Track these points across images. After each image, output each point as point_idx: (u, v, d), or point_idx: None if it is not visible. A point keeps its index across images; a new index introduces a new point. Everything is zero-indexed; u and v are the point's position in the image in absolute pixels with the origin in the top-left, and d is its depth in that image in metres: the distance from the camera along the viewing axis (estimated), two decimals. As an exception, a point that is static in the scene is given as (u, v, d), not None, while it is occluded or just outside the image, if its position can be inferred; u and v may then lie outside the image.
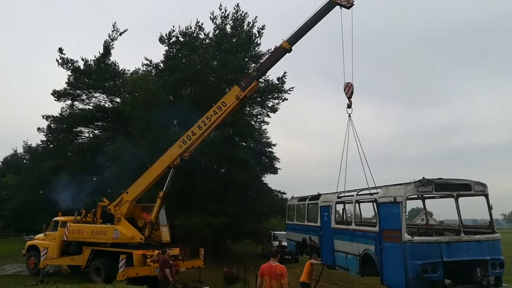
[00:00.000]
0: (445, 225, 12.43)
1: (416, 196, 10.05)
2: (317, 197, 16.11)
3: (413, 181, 9.74)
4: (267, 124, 28.85)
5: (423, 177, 9.63)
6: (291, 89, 27.00)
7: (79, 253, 16.07)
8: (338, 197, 14.03)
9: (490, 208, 10.25)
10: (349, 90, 15.64)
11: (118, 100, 29.98)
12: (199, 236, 21.43)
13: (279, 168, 28.15)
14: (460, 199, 10.00)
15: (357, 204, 14.39)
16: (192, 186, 23.05)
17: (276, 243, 25.90)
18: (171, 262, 12.76)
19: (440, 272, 8.76)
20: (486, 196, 10.24)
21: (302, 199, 18.31)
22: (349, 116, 15.45)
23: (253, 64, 26.14)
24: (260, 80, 20.15)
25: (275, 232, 27.98)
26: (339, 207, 15.49)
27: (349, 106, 15.59)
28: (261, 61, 23.31)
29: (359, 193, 13.11)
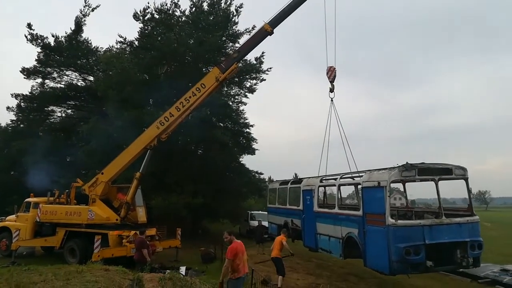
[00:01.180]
0: (425, 207, 12.73)
1: (399, 180, 10.23)
2: (299, 181, 16.30)
3: (397, 166, 9.90)
4: (245, 105, 28.76)
5: (407, 162, 9.79)
6: (269, 70, 26.90)
7: (53, 234, 15.82)
8: (321, 181, 14.19)
9: (469, 191, 10.58)
10: (331, 74, 15.64)
11: (91, 78, 29.18)
12: (176, 216, 21.41)
13: (257, 149, 28.26)
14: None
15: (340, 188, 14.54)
16: (169, 166, 22.88)
17: (255, 222, 26.19)
18: (147, 242, 12.71)
19: (422, 254, 9.03)
20: (466, 180, 10.56)
21: (284, 182, 18.49)
22: (332, 100, 15.52)
23: (230, 44, 25.81)
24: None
25: (252, 212, 28.30)
26: (322, 191, 15.70)
27: (331, 90, 15.62)
28: (241, 43, 23.04)
29: (342, 177, 13.29)
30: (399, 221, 9.44)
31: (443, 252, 9.44)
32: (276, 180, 19.97)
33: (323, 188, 15.25)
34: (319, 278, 13.51)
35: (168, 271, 12.50)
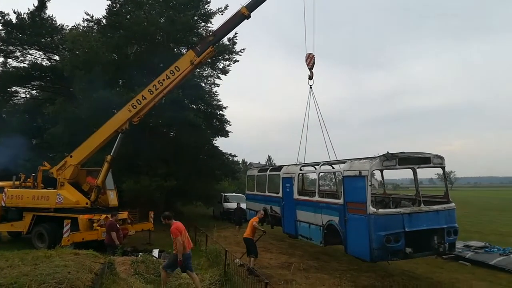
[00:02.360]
0: (402, 195, 13.03)
1: (380, 169, 10.41)
2: (278, 168, 16.35)
3: (378, 155, 10.01)
4: (218, 86, 28.45)
5: (388, 152, 9.90)
6: (242, 51, 26.57)
7: (20, 219, 15.32)
8: (301, 169, 14.28)
9: (446, 178, 10.91)
10: (310, 61, 15.61)
11: (56, 58, 28.10)
12: (148, 199, 21.20)
13: (230, 131, 28.14)
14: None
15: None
16: (140, 149, 22.48)
17: (229, 204, 26.32)
18: (118, 225, 12.56)
19: (402, 241, 9.24)
20: (443, 168, 10.87)
21: (263, 169, 18.52)
22: (310, 87, 15.54)
23: (202, 23, 25.27)
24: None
25: (225, 194, 28.40)
26: (301, 178, 15.80)
27: (310, 77, 15.62)
28: (214, 23, 22.62)
29: (322, 166, 13.40)
30: (380, 210, 9.61)
31: (421, 239, 9.71)
32: (255, 167, 19.97)
33: (302, 175, 15.38)
34: (291, 257, 13.79)
35: (140, 254, 12.43)
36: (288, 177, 14.47)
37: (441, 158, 10.60)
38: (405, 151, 10.20)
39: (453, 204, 10.38)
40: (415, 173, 10.69)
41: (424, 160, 10.39)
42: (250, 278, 8.38)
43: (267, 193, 16.87)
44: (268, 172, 17.21)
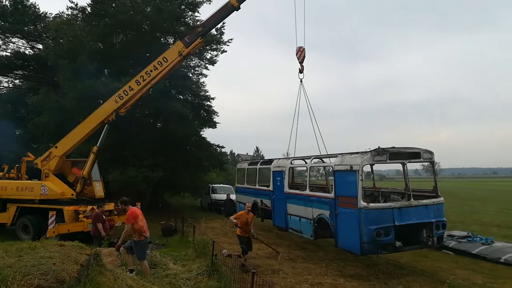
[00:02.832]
0: (391, 188, 13.18)
1: (371, 164, 10.48)
2: (269, 161, 16.38)
3: (369, 150, 10.08)
4: (205, 77, 28.25)
5: (379, 147, 9.99)
6: (230, 41, 26.38)
7: (3, 210, 15.08)
8: (292, 163, 14.30)
9: (435, 173, 11.06)
10: (301, 54, 15.57)
11: (40, 46, 27.45)
12: (135, 190, 21.03)
13: (218, 122, 28.03)
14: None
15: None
16: (127, 139, 22.26)
17: (216, 196, 26.33)
18: (104, 216, 12.48)
19: (392, 235, 9.38)
20: (433, 163, 11.00)
21: (253, 163, 18.54)
22: (301, 81, 15.53)
23: (190, 12, 24.92)
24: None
25: (213, 185, 28.37)
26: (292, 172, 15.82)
27: (300, 71, 15.58)
28: (201, 12, 22.32)
29: (313, 160, 13.45)
30: (371, 204, 9.71)
31: (410, 232, 9.86)
32: (245, 160, 20.03)
33: (292, 169, 15.42)
34: (278, 247, 13.88)
35: (127, 245, 12.39)
36: (279, 170, 14.50)
37: (431, 153, 10.74)
38: (395, 146, 10.32)
39: (441, 199, 10.57)
40: (405, 168, 10.85)
41: (414, 155, 10.52)
42: (238, 269, 8.42)
43: (257, 186, 16.90)
44: (258, 166, 17.24)
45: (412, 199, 10.06)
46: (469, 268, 10.97)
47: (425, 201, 10.19)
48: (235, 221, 11.15)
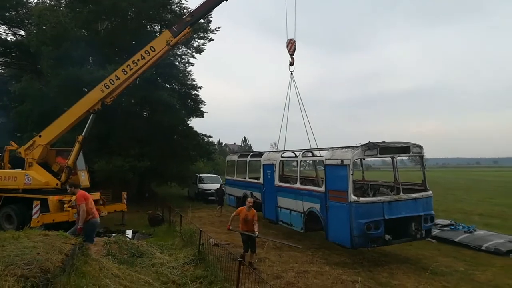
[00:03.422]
0: (380, 181, 13.30)
1: (361, 158, 10.54)
2: (259, 154, 16.37)
3: (360, 144, 10.15)
4: (192, 66, 27.99)
5: (369, 141, 10.04)
6: (217, 29, 26.19)
7: (-14, 200, 14.81)
8: (283, 156, 14.29)
9: (424, 167, 11.18)
10: (291, 47, 15.45)
11: (22, 33, 26.77)
12: (121, 180, 20.88)
13: (205, 112, 27.92)
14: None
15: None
16: (113, 129, 21.99)
17: (204, 185, 26.33)
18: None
19: (381, 229, 9.49)
20: (422, 157, 11.12)
21: (243, 155, 18.50)
22: (291, 73, 15.45)
23: (176, 0, 24.56)
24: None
25: (201, 175, 28.32)
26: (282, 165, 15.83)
27: (291, 63, 15.49)
28: (188, 2, 21.85)
29: (304, 154, 13.47)
30: (361, 198, 9.81)
31: (399, 226, 9.98)
32: (235, 152, 19.99)
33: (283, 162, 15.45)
34: (265, 236, 13.97)
35: (113, 235, 12.32)
36: (269, 163, 14.50)
37: (420, 147, 10.87)
38: (385, 140, 10.41)
39: (430, 192, 10.73)
40: (394, 161, 10.96)
41: (403, 149, 10.64)
42: (225, 257, 8.44)
43: (247, 179, 16.91)
44: (248, 158, 17.23)
45: (401, 193, 10.21)
46: (451, 256, 11.22)
47: (414, 195, 10.36)
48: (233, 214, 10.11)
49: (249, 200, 10.29)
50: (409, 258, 10.85)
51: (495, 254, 11.16)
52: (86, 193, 9.22)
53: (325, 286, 8.40)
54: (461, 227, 14.01)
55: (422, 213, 10.18)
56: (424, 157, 11.23)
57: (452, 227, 14.04)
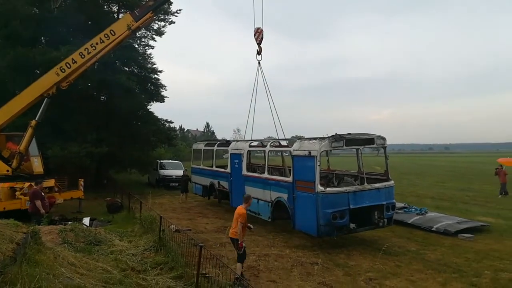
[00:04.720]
0: (344, 171, 13.57)
1: (328, 150, 10.69)
2: (226, 143, 16.21)
3: (327, 136, 10.31)
4: (152, 48, 27.12)
5: (336, 133, 10.24)
6: (178, 11, 25.49)
7: None
8: (250, 146, 14.22)
9: (386, 158, 11.51)
10: (259, 35, 15.28)
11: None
12: (78, 166, 20.14)
13: (166, 96, 27.26)
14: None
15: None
16: (68, 113, 21.06)
17: (165, 171, 25.90)
18: (43, 193, 11.84)
19: (346, 218, 9.75)
20: (385, 148, 11.47)
21: (210, 144, 18.24)
22: (259, 62, 15.34)
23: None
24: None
25: (161, 161, 27.82)
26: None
27: (258, 52, 15.35)
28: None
29: (272, 144, 13.51)
30: (328, 189, 9.99)
31: (363, 214, 10.29)
32: (202, 140, 19.71)
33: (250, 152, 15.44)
34: (228, 221, 13.95)
35: (70, 222, 11.91)
36: (237, 153, 14.45)
37: (383, 138, 11.25)
38: (351, 132, 10.69)
39: (392, 182, 11.14)
40: (359, 153, 11.29)
41: (368, 141, 10.97)
42: (186, 243, 8.39)
43: (214, 168, 16.78)
44: (215, 147, 17.06)
45: (365, 183, 10.55)
46: (404, 237, 11.77)
47: (377, 185, 10.73)
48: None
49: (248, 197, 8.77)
50: (365, 240, 11.28)
51: (444, 235, 11.81)
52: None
53: (285, 268, 8.59)
54: (414, 209, 14.67)
55: (385, 202, 10.59)
56: (387, 148, 11.60)
57: (406, 209, 14.67)
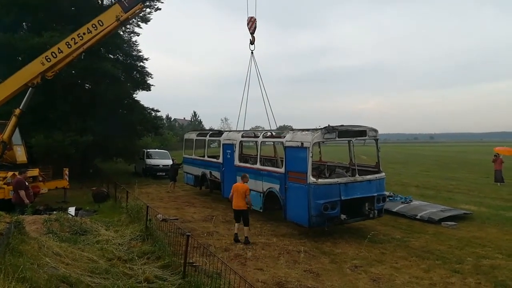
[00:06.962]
0: (336, 162, 13.64)
1: (321, 141, 10.70)
2: (218, 133, 16.11)
3: (319, 128, 10.32)
4: (138, 36, 26.63)
5: (329, 125, 10.24)
6: (164, -3, 25.00)
7: None
8: (243, 136, 14.15)
9: (378, 150, 11.57)
10: (252, 25, 15.12)
11: None
12: (62, 155, 19.84)
13: (152, 85, 26.91)
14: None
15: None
16: (51, 101, 20.65)
17: (152, 161, 25.72)
18: (27, 183, 11.66)
19: (338, 209, 9.82)
20: (377, 140, 11.54)
21: (202, 134, 18.09)
22: (252, 52, 15.22)
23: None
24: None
25: (148, 150, 27.59)
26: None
27: (251, 42, 15.22)
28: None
29: (265, 135, 13.51)
30: (320, 180, 10.04)
31: (354, 206, 10.39)
32: (193, 130, 19.56)
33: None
34: (215, 210, 14.06)
35: (55, 212, 11.77)
36: (229, 143, 14.40)
37: (375, 130, 11.30)
38: (344, 124, 10.74)
39: (383, 174, 11.26)
40: (351, 145, 11.36)
41: (360, 133, 11.01)
42: (173, 232, 8.37)
43: (206, 158, 16.70)
44: (207, 137, 16.97)
45: (357, 175, 10.63)
46: (389, 225, 11.96)
47: (368, 177, 10.82)
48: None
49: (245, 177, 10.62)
50: (351, 228, 11.41)
51: (428, 223, 12.04)
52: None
53: (272, 257, 8.66)
54: (399, 198, 14.90)
55: (376, 194, 10.69)
56: (378, 140, 11.68)
57: (391, 198, 14.87)
